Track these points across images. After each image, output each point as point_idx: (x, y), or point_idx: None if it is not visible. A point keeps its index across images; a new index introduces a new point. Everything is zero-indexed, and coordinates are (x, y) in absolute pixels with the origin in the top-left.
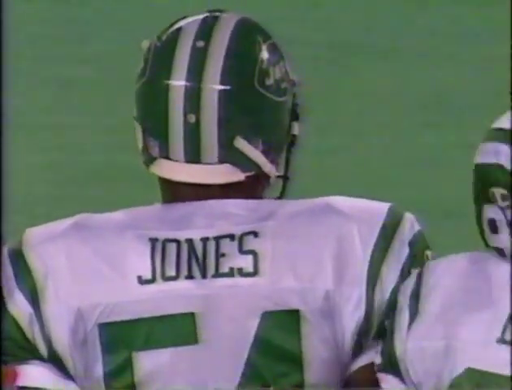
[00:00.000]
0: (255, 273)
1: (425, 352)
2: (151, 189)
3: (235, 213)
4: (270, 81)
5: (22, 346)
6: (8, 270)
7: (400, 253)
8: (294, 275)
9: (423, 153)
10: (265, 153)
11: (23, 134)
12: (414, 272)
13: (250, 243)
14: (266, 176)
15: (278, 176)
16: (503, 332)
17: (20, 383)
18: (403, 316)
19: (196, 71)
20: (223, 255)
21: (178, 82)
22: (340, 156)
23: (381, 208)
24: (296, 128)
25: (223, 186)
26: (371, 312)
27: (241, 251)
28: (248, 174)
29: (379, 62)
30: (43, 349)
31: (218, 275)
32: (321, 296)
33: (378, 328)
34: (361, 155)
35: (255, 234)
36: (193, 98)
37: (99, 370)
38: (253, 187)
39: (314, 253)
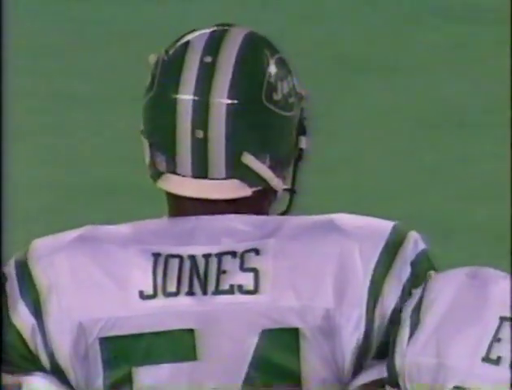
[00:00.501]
0: (255, 291)
1: (420, 367)
2: (153, 204)
3: (240, 229)
4: (278, 96)
5: (25, 357)
6: (13, 281)
7: (401, 272)
8: (294, 294)
9: (423, 168)
10: (272, 168)
11: (23, 148)
12: (420, 287)
13: (252, 260)
14: (274, 191)
15: (285, 190)
16: (488, 351)
17: None
18: (404, 330)
19: (204, 87)
20: (225, 272)
21: (186, 97)
22: (339, 170)
23: (385, 226)
24: (303, 143)
25: (230, 201)
26: (371, 332)
27: (242, 268)
28: (255, 189)
29: (379, 76)
30: (45, 361)
31: (218, 291)
32: (321, 315)
33: (378, 348)
34: (360, 170)
35: (256, 251)
36: (201, 113)
37: (100, 383)
38: (260, 202)
39: (315, 272)
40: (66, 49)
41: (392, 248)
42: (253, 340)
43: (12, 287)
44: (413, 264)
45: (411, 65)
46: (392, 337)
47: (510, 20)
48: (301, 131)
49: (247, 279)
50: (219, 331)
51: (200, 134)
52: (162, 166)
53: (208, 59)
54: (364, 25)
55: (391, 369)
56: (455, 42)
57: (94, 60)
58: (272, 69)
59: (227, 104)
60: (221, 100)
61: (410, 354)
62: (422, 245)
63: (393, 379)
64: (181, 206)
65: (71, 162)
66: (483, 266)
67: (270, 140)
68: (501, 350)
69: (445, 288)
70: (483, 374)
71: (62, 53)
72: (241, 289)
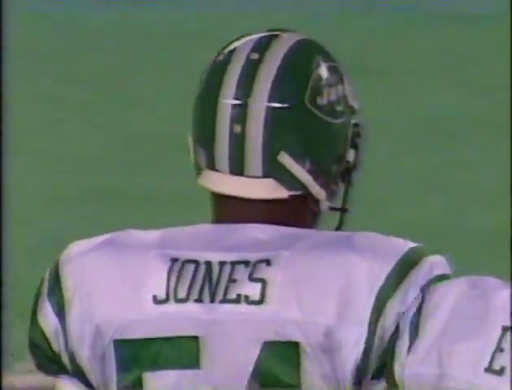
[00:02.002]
0: (261, 301)
1: (421, 377)
2: (149, 209)
3: (261, 239)
4: (322, 101)
5: (50, 358)
6: (45, 281)
7: (407, 295)
8: (299, 308)
9: (418, 173)
10: (312, 174)
11: (22, 152)
12: (418, 297)
13: (261, 271)
14: (315, 200)
15: (334, 209)
16: (491, 361)
17: None
18: (403, 340)
19: (246, 83)
20: (234, 281)
21: (228, 92)
22: None
23: (401, 246)
24: (351, 155)
25: (266, 202)
26: (370, 351)
27: (251, 278)
28: (293, 193)
29: (375, 83)
30: (67, 362)
31: (225, 300)
32: (322, 331)
33: (377, 368)
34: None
35: (267, 262)
36: (241, 109)
37: (114, 386)
38: (298, 209)
39: (321, 288)
40: (64, 55)
41: (404, 269)
42: (255, 351)
43: (43, 287)
44: (422, 289)
45: (407, 72)
46: (389, 347)
47: (510, 26)
48: (353, 144)
49: (254, 290)
50: (222, 340)
51: (238, 129)
52: (202, 162)
53: (255, 56)
54: (360, 32)
55: (389, 379)
56: (450, 46)
57: (92, 65)
58: (320, 73)
59: (268, 102)
60: (262, 98)
61: (410, 364)
62: (439, 271)
63: (392, 388)
64: (219, 203)
65: (68, 167)
66: (483, 275)
67: (310, 144)
68: (504, 361)
69: (445, 297)
70: (486, 385)
71: (61, 59)
72: (247, 299)
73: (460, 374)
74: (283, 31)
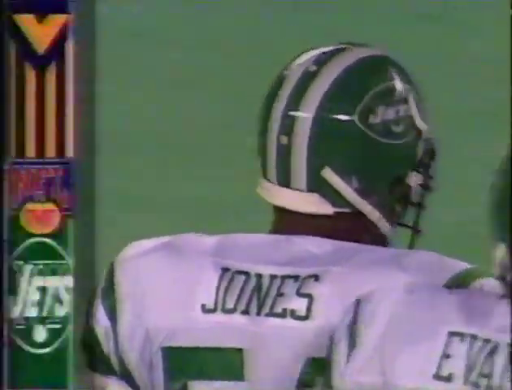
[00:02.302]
0: (307, 317)
1: (362, 385)
2: (138, 210)
3: (313, 253)
4: (375, 119)
5: (100, 359)
6: (101, 281)
7: None
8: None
9: None
10: (360, 192)
11: None
12: (352, 305)
13: (309, 286)
14: (369, 219)
15: (403, 225)
16: (438, 367)
17: None
18: (340, 348)
19: (298, 94)
20: (282, 295)
21: (280, 103)
22: None
23: (455, 268)
24: (412, 180)
25: (320, 216)
26: None
27: (299, 293)
28: (338, 209)
29: None
30: (116, 365)
31: (271, 314)
32: None
33: None
34: None
35: (316, 278)
36: (289, 120)
37: None
38: (352, 226)
39: None
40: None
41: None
42: (298, 367)
43: (99, 287)
44: (358, 298)
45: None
46: (327, 357)
47: (510, 27)
48: (422, 166)
49: (301, 305)
50: (265, 353)
51: (284, 140)
52: (260, 171)
53: (313, 68)
54: (356, 31)
55: (327, 388)
56: (450, 45)
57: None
58: (378, 91)
59: (314, 116)
60: (309, 110)
61: (350, 372)
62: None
63: None
64: (276, 213)
65: None
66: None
67: (357, 162)
68: (452, 367)
69: (381, 303)
70: None
71: None
72: (293, 314)
73: (406, 381)
74: (353, 44)
